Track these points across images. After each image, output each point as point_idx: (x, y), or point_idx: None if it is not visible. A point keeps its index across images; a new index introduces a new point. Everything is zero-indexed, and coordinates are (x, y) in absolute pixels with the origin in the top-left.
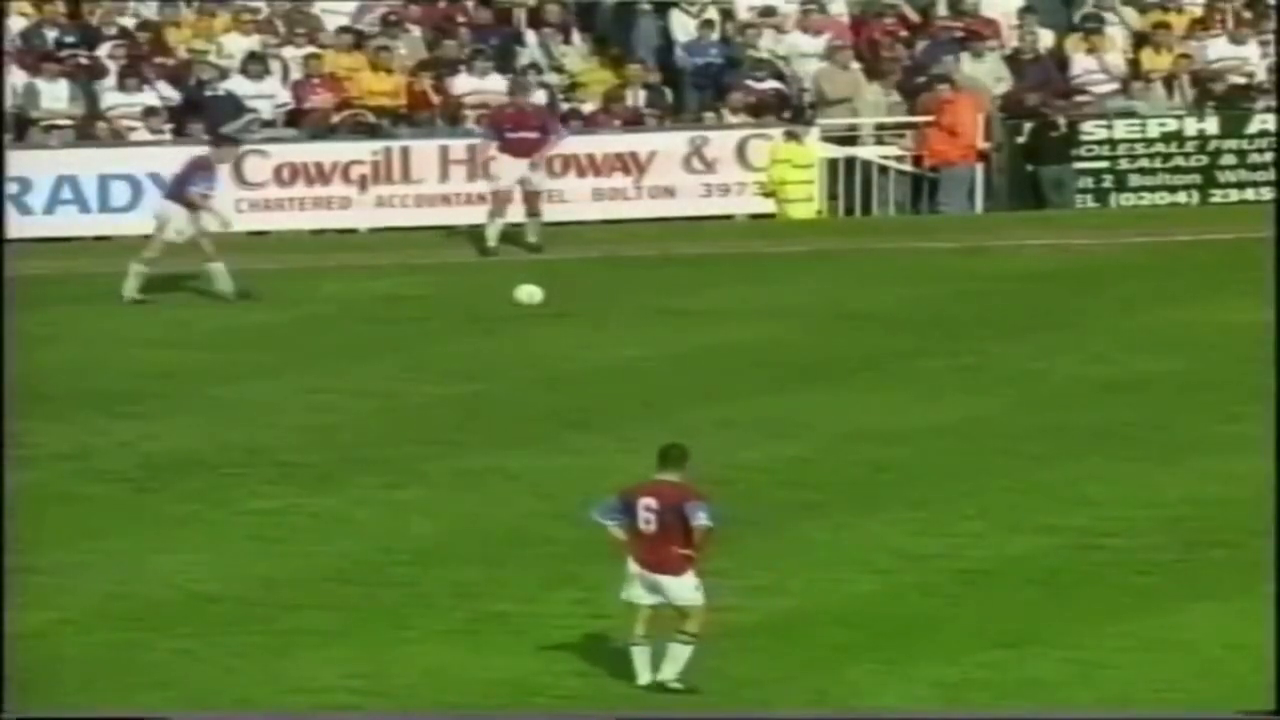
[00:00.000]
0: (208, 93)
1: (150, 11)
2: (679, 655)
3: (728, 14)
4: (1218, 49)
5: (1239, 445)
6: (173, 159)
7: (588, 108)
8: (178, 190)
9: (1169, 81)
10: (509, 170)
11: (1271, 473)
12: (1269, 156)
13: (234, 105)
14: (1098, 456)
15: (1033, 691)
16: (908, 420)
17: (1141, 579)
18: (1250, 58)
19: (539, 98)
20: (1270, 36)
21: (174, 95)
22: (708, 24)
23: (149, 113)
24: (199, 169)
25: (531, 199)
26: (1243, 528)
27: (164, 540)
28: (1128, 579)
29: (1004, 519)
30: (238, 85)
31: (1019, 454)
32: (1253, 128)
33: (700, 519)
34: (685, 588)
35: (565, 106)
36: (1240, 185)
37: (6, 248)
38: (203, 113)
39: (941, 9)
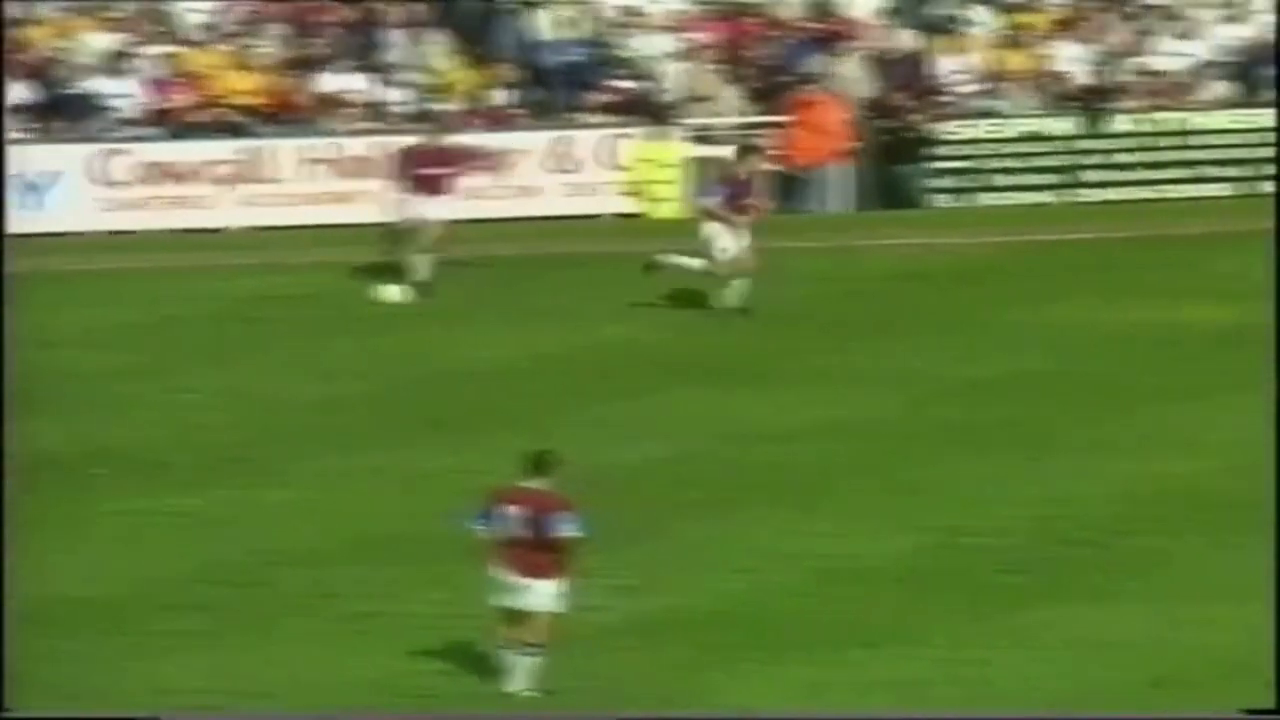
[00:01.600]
0: (69, 91)
1: (12, 10)
2: (527, 666)
3: (592, 14)
4: (1068, 50)
5: (1106, 445)
6: (34, 157)
7: (451, 107)
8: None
9: (1029, 82)
10: (418, 209)
11: (1175, 472)
12: (1134, 156)
13: (96, 104)
14: (967, 455)
15: (899, 690)
16: (780, 420)
17: (1008, 578)
18: (1085, 58)
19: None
20: (1096, 41)
21: (35, 94)
22: (572, 23)
23: (10, 111)
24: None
25: (437, 234)
26: (1109, 528)
27: (31, 542)
28: (995, 578)
29: (874, 518)
30: (99, 84)
31: (889, 453)
32: (1115, 127)
33: (566, 529)
34: (547, 594)
35: (429, 106)
36: (1103, 185)
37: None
38: (64, 111)
39: (803, 9)
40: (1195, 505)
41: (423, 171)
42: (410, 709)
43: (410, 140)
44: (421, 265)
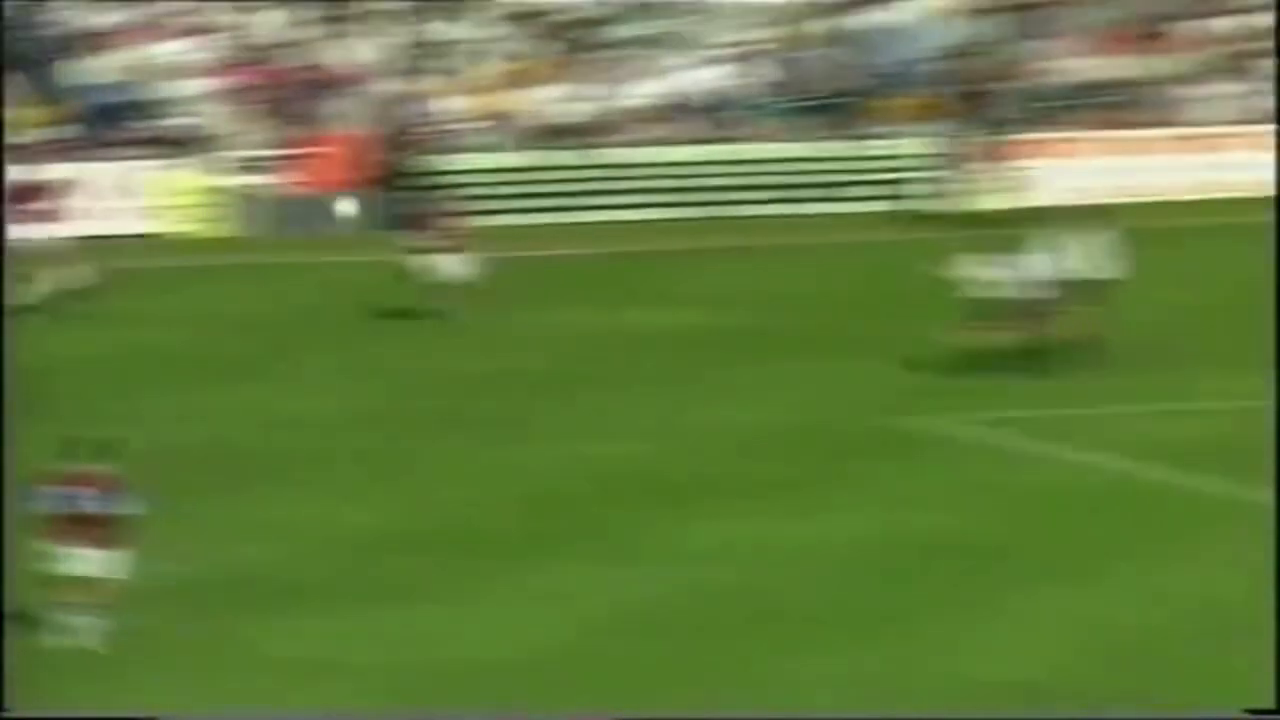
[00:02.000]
0: None
1: None
2: (92, 626)
3: (137, 61)
4: (556, 91)
5: (594, 430)
6: None
7: (20, 140)
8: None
9: (520, 118)
10: (29, 235)
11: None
12: (619, 184)
13: None
14: (453, 440)
15: (415, 640)
16: (298, 410)
17: (507, 544)
18: (571, 97)
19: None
20: (580, 83)
21: None
22: (124, 69)
23: None
24: None
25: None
26: (578, 500)
27: None
28: (503, 543)
29: (375, 494)
30: None
31: (384, 438)
32: (602, 159)
33: (119, 506)
34: (107, 562)
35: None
36: (592, 209)
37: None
38: None
39: (320, 56)
40: (642, 481)
41: (25, 205)
42: None
43: (13, 174)
44: (33, 287)
